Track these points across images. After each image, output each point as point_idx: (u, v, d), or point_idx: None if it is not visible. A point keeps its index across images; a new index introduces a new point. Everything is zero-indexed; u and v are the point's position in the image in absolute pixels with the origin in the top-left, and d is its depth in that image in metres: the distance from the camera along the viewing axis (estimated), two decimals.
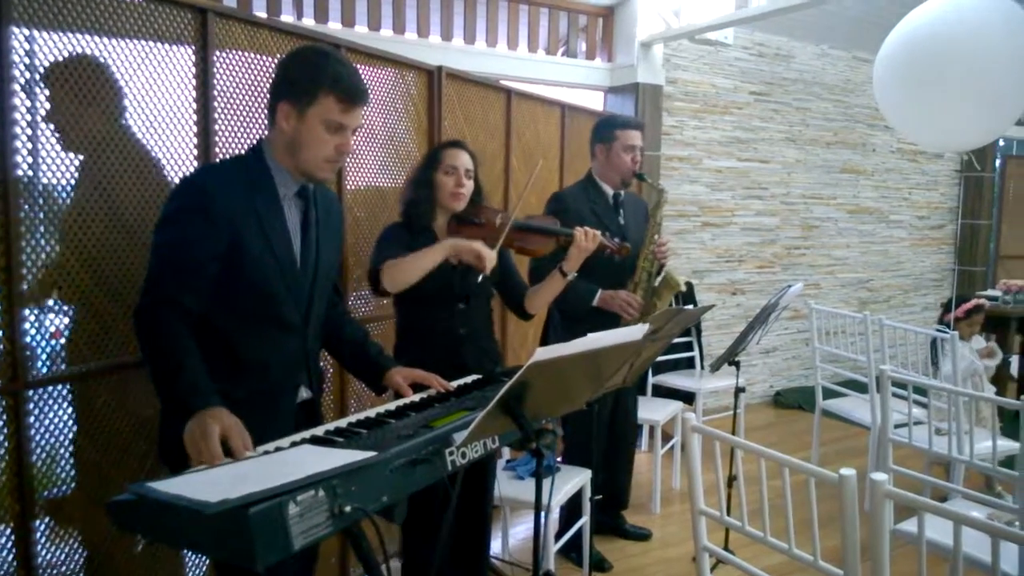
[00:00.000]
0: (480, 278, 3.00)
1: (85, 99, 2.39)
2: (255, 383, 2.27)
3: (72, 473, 2.48)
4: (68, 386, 2.45)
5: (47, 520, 2.43)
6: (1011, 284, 6.59)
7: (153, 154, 2.64)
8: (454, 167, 3.12)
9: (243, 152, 2.47)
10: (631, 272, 3.95)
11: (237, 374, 2.23)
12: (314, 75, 2.21)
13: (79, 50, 2.38)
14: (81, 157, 2.41)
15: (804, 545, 2.32)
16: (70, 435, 2.45)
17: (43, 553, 2.41)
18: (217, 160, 2.81)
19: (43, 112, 2.32)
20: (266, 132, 2.38)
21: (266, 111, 2.35)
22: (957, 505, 3.43)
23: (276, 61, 2.97)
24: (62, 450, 2.44)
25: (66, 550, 2.48)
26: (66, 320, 2.44)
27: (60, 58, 2.34)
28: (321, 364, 2.65)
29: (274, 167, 2.30)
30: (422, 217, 3.11)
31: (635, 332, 2.27)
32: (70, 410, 2.45)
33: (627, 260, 3.87)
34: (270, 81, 2.34)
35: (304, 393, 2.47)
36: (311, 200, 2.39)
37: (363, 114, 2.35)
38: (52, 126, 2.35)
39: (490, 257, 2.93)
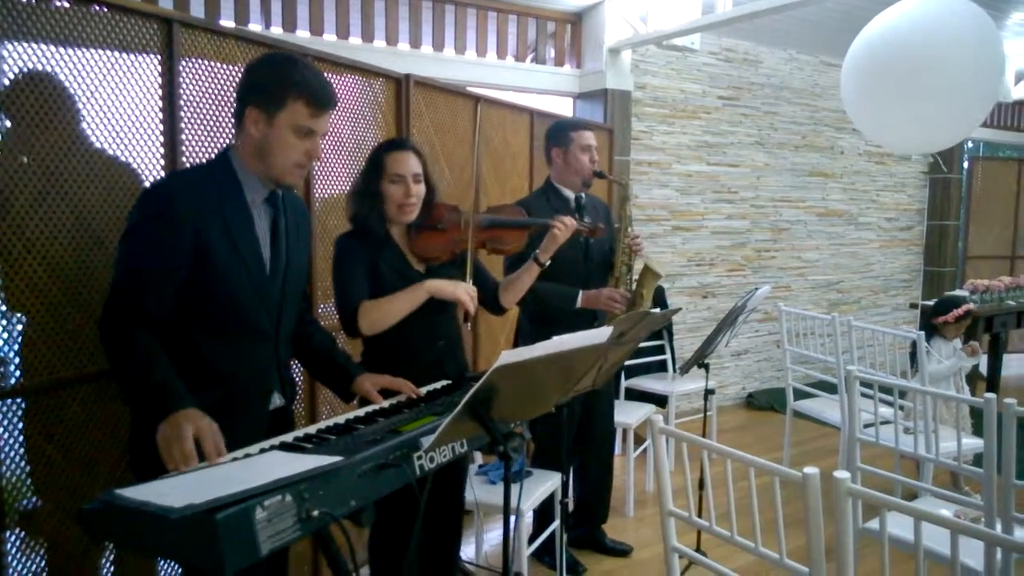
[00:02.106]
0: (468, 323, 2.95)
1: (40, 110, 2.38)
2: (226, 391, 2.27)
3: (42, 484, 2.47)
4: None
5: (18, 531, 2.42)
6: (978, 284, 6.66)
7: (122, 160, 2.64)
8: (400, 175, 2.89)
9: (209, 159, 2.47)
10: (607, 269, 3.99)
11: (208, 382, 2.23)
12: (282, 80, 2.22)
13: (44, 60, 2.37)
14: (44, 168, 2.40)
15: (772, 544, 2.35)
16: (41, 446, 2.44)
17: (15, 564, 2.40)
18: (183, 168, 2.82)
19: (3, 130, 2.32)
20: (233, 139, 2.38)
21: (233, 119, 2.35)
22: (925, 503, 3.48)
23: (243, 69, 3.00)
24: (33, 461, 2.44)
25: (38, 560, 2.47)
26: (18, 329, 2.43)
27: (17, 72, 2.33)
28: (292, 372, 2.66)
29: (242, 173, 2.29)
30: (376, 231, 2.91)
31: (601, 335, 2.28)
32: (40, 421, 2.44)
33: (594, 260, 3.91)
34: (239, 85, 2.33)
35: (276, 400, 2.47)
36: (280, 206, 2.39)
37: (331, 121, 2.36)
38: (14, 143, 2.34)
39: (473, 297, 2.88)
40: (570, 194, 4.01)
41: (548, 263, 3.20)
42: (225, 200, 2.24)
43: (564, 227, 3.15)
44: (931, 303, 5.67)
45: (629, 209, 4.01)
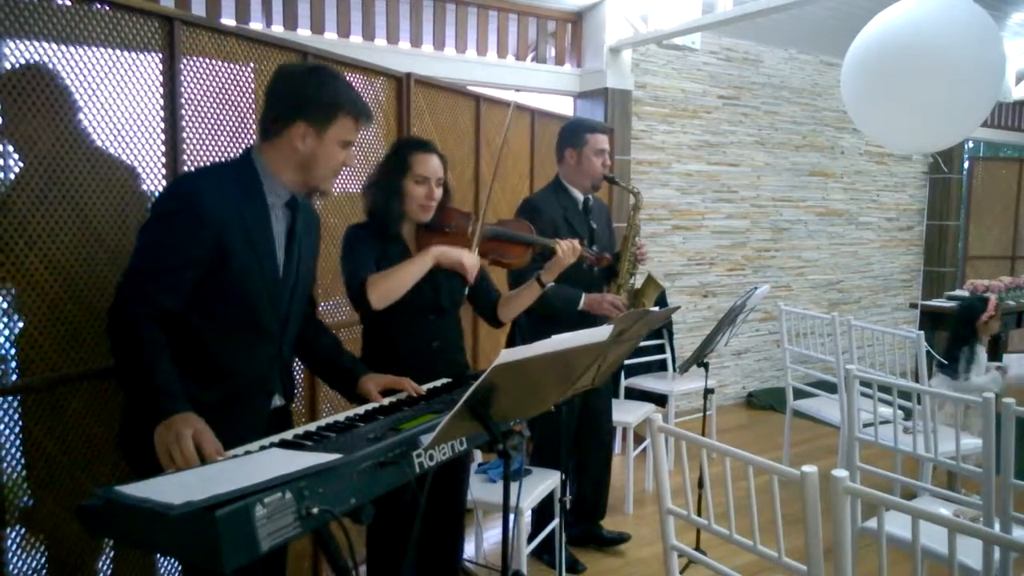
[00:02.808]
0: (467, 290, 2.98)
1: (42, 108, 2.38)
2: (228, 388, 2.28)
3: (42, 481, 2.47)
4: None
5: (18, 528, 2.43)
6: (978, 284, 6.66)
7: (123, 159, 2.64)
8: (425, 177, 2.92)
9: (229, 159, 2.48)
10: (607, 276, 4.00)
11: (211, 378, 2.24)
12: (334, 98, 2.31)
13: (45, 58, 2.37)
14: (45, 167, 2.40)
15: (771, 543, 2.35)
16: (41, 443, 2.44)
17: (15, 561, 2.40)
18: (189, 166, 2.85)
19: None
20: (245, 141, 2.39)
21: (271, 126, 2.35)
22: (924, 502, 3.48)
23: (248, 69, 3.03)
24: (34, 457, 2.44)
25: (38, 557, 2.47)
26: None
27: (13, 67, 2.32)
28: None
29: (265, 177, 2.33)
30: (391, 226, 2.94)
31: (600, 333, 2.28)
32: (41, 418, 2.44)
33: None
34: (280, 95, 2.35)
35: (277, 400, 2.49)
36: (298, 211, 2.43)
37: None
38: (8, 140, 2.33)
39: (474, 265, 2.93)
40: (579, 195, 4.03)
41: (550, 286, 3.20)
42: (247, 202, 2.28)
43: (569, 251, 3.16)
44: (954, 306, 5.63)
45: (638, 219, 4.03)
